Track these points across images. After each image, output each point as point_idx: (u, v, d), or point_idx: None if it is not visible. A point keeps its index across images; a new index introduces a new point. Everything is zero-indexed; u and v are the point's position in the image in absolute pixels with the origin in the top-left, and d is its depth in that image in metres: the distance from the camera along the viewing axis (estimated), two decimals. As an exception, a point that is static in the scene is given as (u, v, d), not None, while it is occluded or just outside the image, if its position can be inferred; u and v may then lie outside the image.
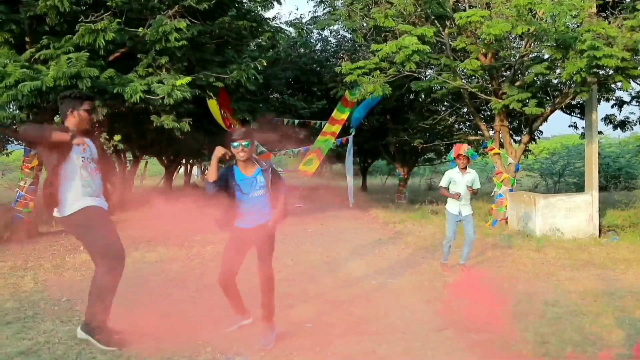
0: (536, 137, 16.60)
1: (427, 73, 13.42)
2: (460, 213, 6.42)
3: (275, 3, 11.87)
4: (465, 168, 6.42)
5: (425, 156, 21.86)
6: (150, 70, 9.28)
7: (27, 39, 9.10)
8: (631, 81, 9.39)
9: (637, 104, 13.78)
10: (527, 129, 11.98)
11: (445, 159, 22.63)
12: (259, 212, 4.13)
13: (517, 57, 10.94)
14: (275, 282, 4.15)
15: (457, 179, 6.43)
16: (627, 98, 13.93)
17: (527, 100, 9.96)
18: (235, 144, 4.02)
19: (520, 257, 7.39)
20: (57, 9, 8.23)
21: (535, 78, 10.10)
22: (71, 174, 3.86)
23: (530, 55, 10.91)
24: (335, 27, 17.87)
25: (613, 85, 10.89)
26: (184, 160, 28.88)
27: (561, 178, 22.85)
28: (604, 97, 13.54)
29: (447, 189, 6.51)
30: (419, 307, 5.10)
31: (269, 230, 4.11)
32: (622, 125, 14.55)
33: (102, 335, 3.97)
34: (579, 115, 14.41)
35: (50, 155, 3.82)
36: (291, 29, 19.13)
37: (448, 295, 5.51)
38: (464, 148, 6.37)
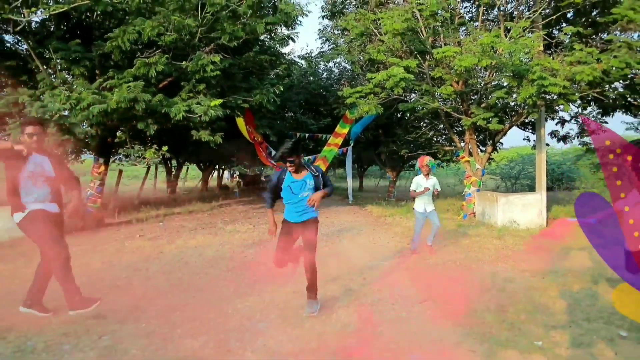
0: (498, 148, 16.46)
1: (411, 96, 13.41)
2: (425, 210, 6.50)
3: (290, 41, 11.92)
4: (428, 174, 6.51)
5: (410, 163, 21.78)
6: (191, 94, 9.36)
7: (97, 72, 9.21)
8: (570, 104, 9.34)
9: (575, 122, 13.74)
10: (491, 141, 11.95)
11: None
12: (304, 209, 4.05)
13: (482, 84, 10.92)
14: (316, 267, 4.11)
15: (423, 183, 6.51)
16: (567, 117, 13.89)
17: (490, 119, 9.94)
18: (284, 162, 3.95)
19: (485, 244, 7.36)
20: (120, 48, 8.35)
21: (496, 101, 10.08)
22: (24, 184, 3.79)
23: (493, 83, 10.89)
24: (338, 59, 17.92)
25: (557, 107, 10.85)
26: (217, 166, 29.04)
27: (517, 180, 22.73)
28: (550, 116, 13.44)
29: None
30: (405, 283, 5.10)
31: (313, 222, 4.06)
32: (564, 139, 14.44)
33: (38, 307, 4.00)
34: (531, 131, 14.30)
35: (11, 168, 3.74)
36: (303, 61, 19.23)
37: (427, 274, 5.53)
38: (426, 160, 6.49)
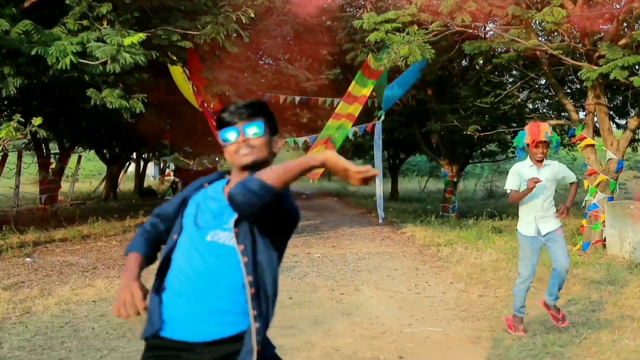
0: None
1: (487, 28, 13.33)
2: (539, 232, 6.14)
3: None
4: (542, 160, 6.14)
5: (484, 149, 21.78)
6: (85, 22, 9.27)
7: None
8: None
9: None
10: (637, 109, 11.87)
11: (513, 153, 22.46)
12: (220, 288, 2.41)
13: (622, 3, 10.82)
14: None
15: (530, 175, 5.97)
16: None
17: (637, 67, 9.84)
18: (226, 132, 2.51)
19: (626, 298, 7.25)
20: None
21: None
22: None
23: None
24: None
25: None
26: (134, 155, 29.00)
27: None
28: None
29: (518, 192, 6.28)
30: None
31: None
32: None
33: None
34: None
35: None
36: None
37: (517, 350, 5.40)
38: (544, 129, 5.90)
